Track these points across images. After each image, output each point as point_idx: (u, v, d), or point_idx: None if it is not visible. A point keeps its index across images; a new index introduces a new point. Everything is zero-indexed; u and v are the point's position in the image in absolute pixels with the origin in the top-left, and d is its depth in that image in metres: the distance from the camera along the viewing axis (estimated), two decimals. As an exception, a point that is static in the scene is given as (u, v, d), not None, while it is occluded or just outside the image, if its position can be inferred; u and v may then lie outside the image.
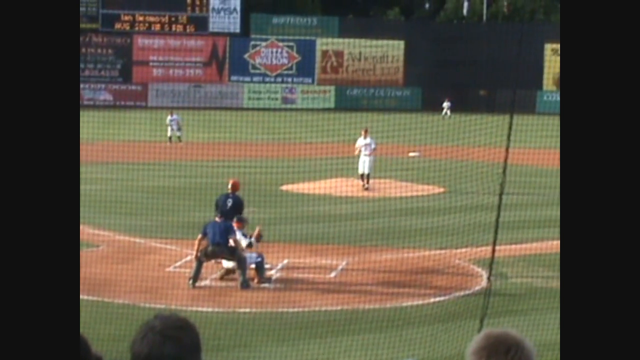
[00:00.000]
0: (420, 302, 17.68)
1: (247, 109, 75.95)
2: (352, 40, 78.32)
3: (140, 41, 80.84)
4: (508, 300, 17.53)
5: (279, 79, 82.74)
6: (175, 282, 18.77)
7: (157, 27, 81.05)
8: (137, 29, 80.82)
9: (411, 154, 41.03)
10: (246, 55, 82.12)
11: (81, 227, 17.81)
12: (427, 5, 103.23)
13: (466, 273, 19.98)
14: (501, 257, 18.76)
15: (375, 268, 20.22)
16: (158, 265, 20.12)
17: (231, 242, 18.47)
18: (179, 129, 49.88)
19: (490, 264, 15.27)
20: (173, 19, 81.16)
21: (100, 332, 13.63)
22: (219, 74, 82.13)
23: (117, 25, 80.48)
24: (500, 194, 14.16)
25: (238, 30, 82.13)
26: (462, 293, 18.18)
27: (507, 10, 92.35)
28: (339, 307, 17.20)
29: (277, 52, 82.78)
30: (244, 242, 18.82)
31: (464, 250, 21.06)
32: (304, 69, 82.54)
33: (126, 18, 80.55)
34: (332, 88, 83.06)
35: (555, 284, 18.45)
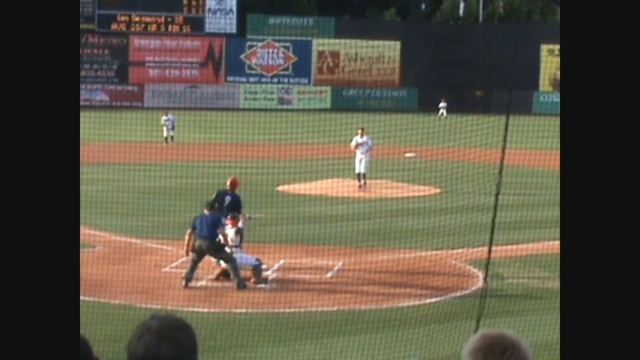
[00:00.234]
0: (417, 302, 17.68)
1: (243, 110, 75.94)
2: (348, 40, 78.34)
3: (137, 42, 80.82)
4: (504, 301, 17.53)
5: (275, 80, 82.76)
6: (172, 283, 18.75)
7: (153, 27, 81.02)
8: (133, 29, 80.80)
9: (407, 155, 41.03)
10: (242, 56, 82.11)
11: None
12: (423, 6, 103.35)
13: (462, 274, 19.98)
14: (497, 258, 18.77)
15: (371, 269, 20.22)
16: (154, 266, 20.10)
17: (220, 236, 18.31)
18: (172, 128, 49.88)
19: (486, 264, 15.27)
20: (169, 19, 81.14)
21: (96, 332, 13.59)
22: (215, 74, 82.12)
23: (113, 26, 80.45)
24: (497, 195, 14.16)
25: (234, 31, 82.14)
26: (458, 294, 18.18)
27: (503, 10, 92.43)
28: (335, 308, 17.19)
29: (273, 52, 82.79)
30: (231, 234, 18.70)
31: (460, 250, 21.07)
32: (300, 69, 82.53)
33: (122, 19, 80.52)
34: (329, 88, 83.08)
35: (552, 284, 18.48)
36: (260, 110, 76.58)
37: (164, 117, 50.52)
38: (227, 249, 18.55)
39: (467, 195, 28.00)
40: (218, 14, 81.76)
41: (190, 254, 18.63)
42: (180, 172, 36.45)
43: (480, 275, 18.65)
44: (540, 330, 14.50)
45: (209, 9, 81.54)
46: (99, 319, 15.23)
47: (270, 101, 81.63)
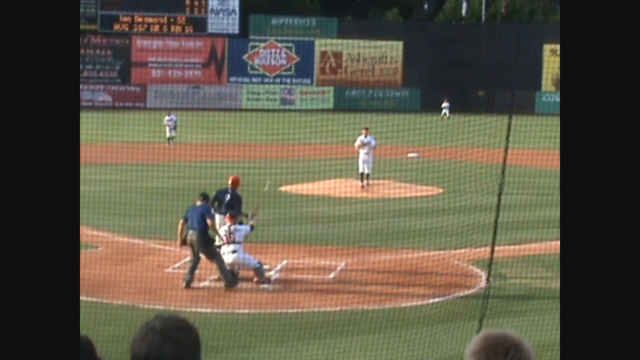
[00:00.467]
0: (419, 302, 17.68)
1: (246, 110, 75.93)
2: (350, 41, 78.32)
3: (139, 42, 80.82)
4: (507, 301, 17.53)
5: (278, 80, 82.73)
6: (174, 283, 18.77)
7: (156, 28, 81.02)
8: (135, 30, 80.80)
9: (410, 155, 41.02)
10: (245, 56, 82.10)
11: (80, 228, 17.78)
12: (425, 6, 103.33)
13: (465, 274, 19.98)
14: (500, 258, 18.76)
15: (374, 269, 20.22)
16: (157, 267, 20.12)
17: (209, 224, 18.36)
18: (174, 129, 49.88)
19: (489, 264, 15.29)
20: (172, 20, 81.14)
21: (99, 333, 13.61)
22: (218, 75, 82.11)
23: (116, 27, 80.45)
24: (499, 195, 14.17)
25: (237, 31, 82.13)
26: (461, 294, 18.18)
27: (506, 11, 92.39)
28: (338, 308, 17.19)
29: (275, 53, 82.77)
30: (222, 231, 18.78)
31: (462, 250, 21.05)
32: (303, 69, 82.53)
33: (125, 19, 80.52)
34: (331, 89, 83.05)
35: (554, 284, 18.46)
36: (262, 110, 76.55)
37: (166, 118, 50.51)
38: (218, 242, 18.62)
39: (469, 195, 27.98)
40: (220, 15, 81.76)
41: (188, 250, 18.75)
42: (183, 173, 36.44)
43: (483, 275, 18.64)
44: (543, 330, 14.48)
45: (212, 10, 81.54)
46: (102, 320, 15.26)
47: (272, 101, 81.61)
